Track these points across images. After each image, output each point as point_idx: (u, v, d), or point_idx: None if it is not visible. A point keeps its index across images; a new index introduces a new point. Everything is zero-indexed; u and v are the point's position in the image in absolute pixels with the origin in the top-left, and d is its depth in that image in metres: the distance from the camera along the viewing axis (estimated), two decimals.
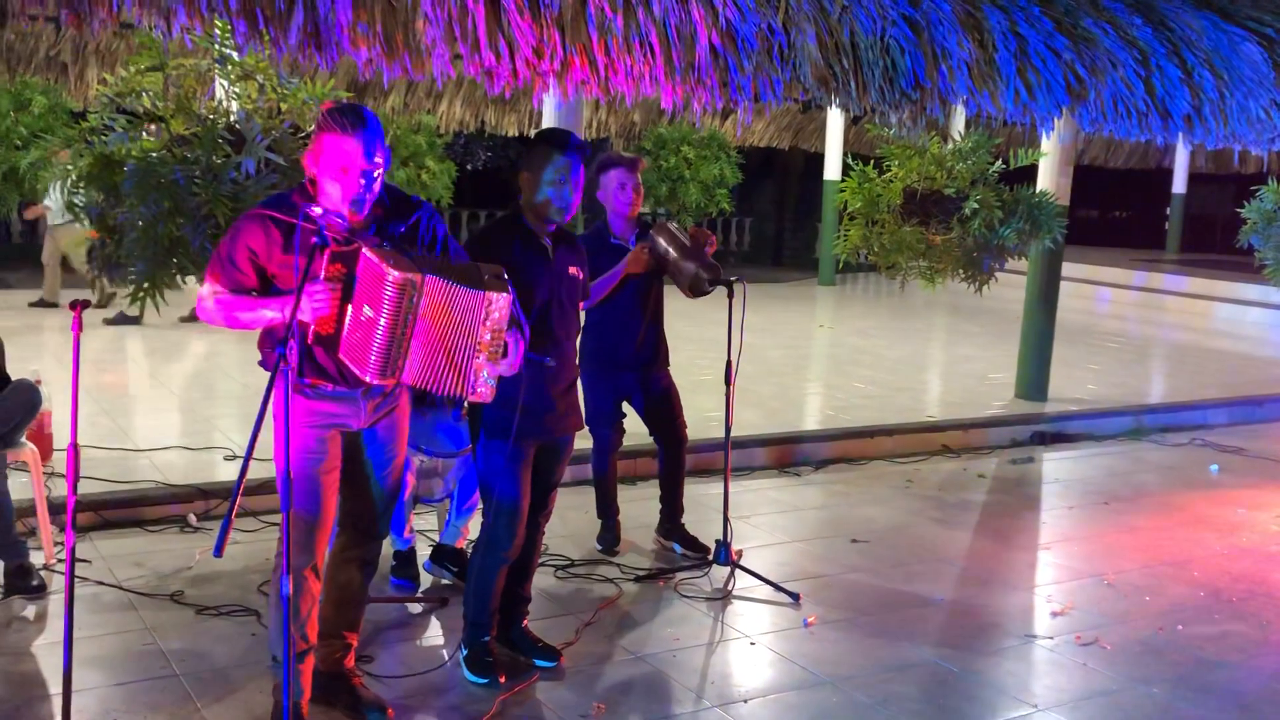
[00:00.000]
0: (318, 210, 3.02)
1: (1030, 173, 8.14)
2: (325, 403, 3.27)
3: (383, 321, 3.05)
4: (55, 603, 4.29)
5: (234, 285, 3.20)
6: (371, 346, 3.07)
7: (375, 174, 3.13)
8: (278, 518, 2.98)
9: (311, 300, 3.04)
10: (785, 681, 4.00)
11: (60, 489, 4.82)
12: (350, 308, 3.10)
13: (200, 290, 3.25)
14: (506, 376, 3.25)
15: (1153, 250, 20.54)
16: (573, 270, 3.88)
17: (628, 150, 15.97)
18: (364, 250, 3.08)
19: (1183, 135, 6.24)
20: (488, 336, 3.12)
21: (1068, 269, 9.67)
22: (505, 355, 3.18)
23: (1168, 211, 20.96)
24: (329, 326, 3.12)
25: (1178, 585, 5.13)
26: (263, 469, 4.06)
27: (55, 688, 3.53)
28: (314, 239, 3.00)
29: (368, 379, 3.12)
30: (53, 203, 10.01)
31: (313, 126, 3.29)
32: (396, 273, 3.02)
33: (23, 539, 4.46)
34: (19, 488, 4.60)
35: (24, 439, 4.70)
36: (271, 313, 3.15)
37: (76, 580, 4.25)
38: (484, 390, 3.17)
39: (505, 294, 3.11)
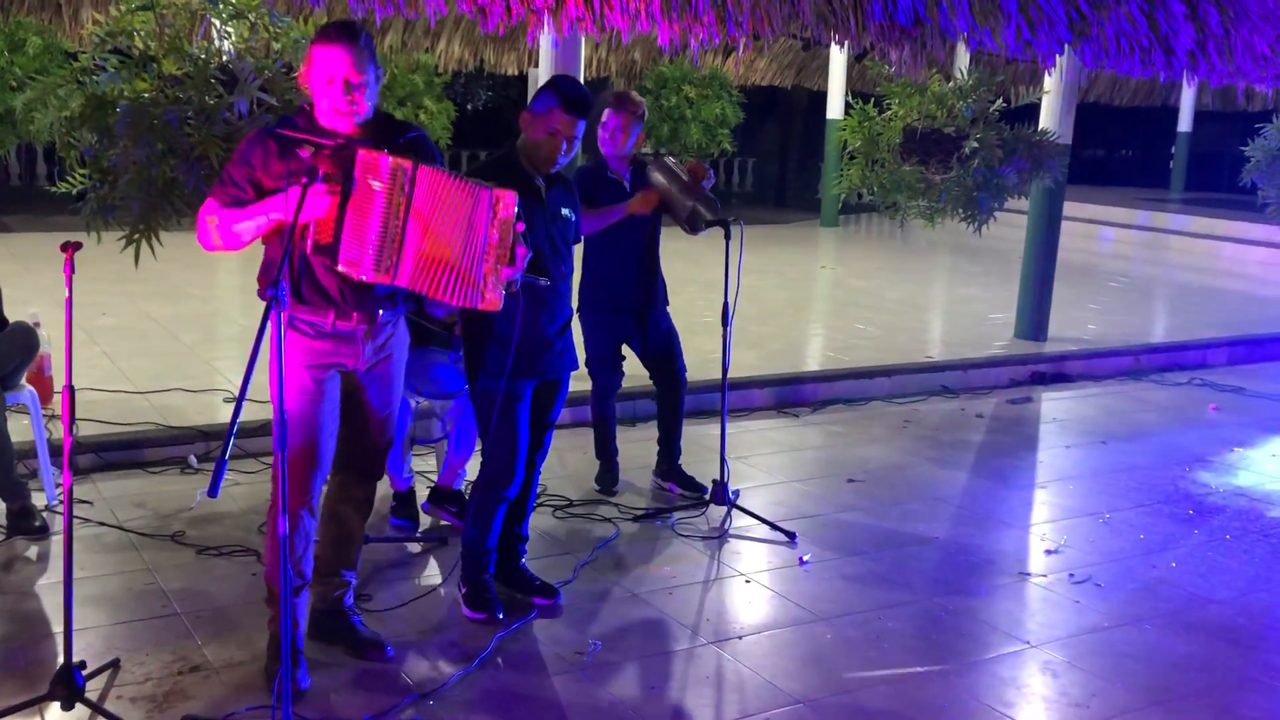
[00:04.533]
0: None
1: (1034, 111, 8.07)
2: (324, 341, 3.27)
3: (375, 211, 3.05)
4: (57, 543, 4.32)
5: (231, 202, 3.19)
6: (367, 242, 3.07)
7: (360, 84, 3.12)
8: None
9: (311, 197, 3.04)
10: (780, 619, 4.04)
11: (60, 431, 4.84)
12: (349, 209, 3.09)
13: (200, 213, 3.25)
14: (514, 283, 3.21)
15: (1158, 189, 20.40)
16: (565, 211, 3.86)
17: (630, 90, 15.80)
18: (359, 149, 3.09)
19: (1186, 72, 6.18)
20: (496, 236, 3.10)
21: (1071, 209, 9.61)
22: (514, 260, 3.15)
23: (1173, 150, 20.79)
24: (328, 234, 3.11)
25: (1172, 524, 5.17)
26: (263, 410, 4.08)
27: (58, 626, 3.58)
28: (308, 151, 3.01)
29: (363, 277, 3.11)
30: None
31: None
32: (388, 159, 3.04)
33: (24, 481, 4.49)
34: (20, 430, 4.63)
35: (23, 381, 4.72)
36: (269, 213, 3.13)
37: (79, 521, 4.31)
38: (492, 296, 3.14)
39: (511, 191, 3.10)
